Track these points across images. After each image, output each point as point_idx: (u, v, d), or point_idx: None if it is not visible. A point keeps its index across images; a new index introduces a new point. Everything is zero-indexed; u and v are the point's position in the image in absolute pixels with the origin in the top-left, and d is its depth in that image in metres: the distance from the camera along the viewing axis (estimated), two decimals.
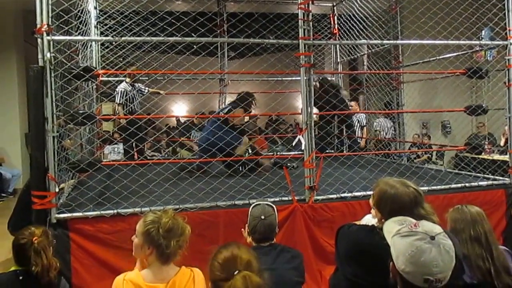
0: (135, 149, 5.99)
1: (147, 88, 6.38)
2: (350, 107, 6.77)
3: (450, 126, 9.10)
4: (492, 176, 4.33)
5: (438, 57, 5.20)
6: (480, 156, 5.68)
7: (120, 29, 5.61)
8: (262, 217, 2.31)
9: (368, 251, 1.80)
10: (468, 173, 4.59)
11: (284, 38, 5.71)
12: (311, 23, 3.64)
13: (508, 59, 4.14)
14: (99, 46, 5.67)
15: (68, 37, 3.46)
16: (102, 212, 3.13)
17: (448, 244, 1.32)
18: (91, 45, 5.25)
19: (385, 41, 5.53)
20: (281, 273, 2.12)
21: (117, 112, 6.07)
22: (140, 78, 6.15)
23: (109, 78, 6.26)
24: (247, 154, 5.03)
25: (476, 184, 4.03)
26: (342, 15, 6.71)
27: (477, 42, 4.73)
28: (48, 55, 3.08)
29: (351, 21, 6.34)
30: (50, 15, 3.13)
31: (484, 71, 4.43)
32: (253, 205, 2.45)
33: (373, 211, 2.04)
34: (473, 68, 4.43)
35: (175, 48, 5.00)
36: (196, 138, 7.09)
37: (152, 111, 5.42)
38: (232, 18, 6.00)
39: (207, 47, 5.10)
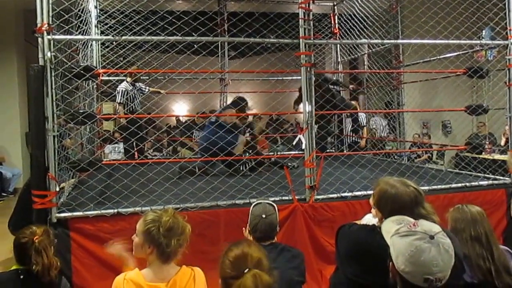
0: (135, 149, 5.99)
1: (147, 88, 6.38)
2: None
3: (450, 126, 9.09)
4: (492, 176, 4.33)
5: (438, 57, 5.20)
6: (481, 156, 5.68)
7: (121, 28, 5.62)
8: (263, 216, 2.31)
9: (368, 251, 1.80)
10: (469, 172, 4.59)
11: (284, 37, 5.71)
12: (311, 22, 3.64)
13: (509, 59, 4.14)
14: (100, 45, 5.68)
15: (68, 36, 3.46)
16: (103, 211, 3.14)
17: (447, 243, 1.32)
18: (91, 44, 5.26)
19: (385, 41, 5.52)
20: (281, 272, 2.12)
21: (118, 111, 6.07)
22: (141, 77, 6.15)
23: (110, 78, 6.27)
24: (247, 154, 5.03)
25: (476, 183, 4.04)
26: (343, 15, 6.70)
27: (478, 41, 4.73)
28: (49, 54, 3.08)
29: (351, 20, 6.34)
30: (50, 14, 3.13)
31: (485, 70, 4.43)
32: (254, 203, 2.45)
33: (373, 210, 2.04)
34: (473, 67, 4.42)
35: (176, 47, 5.04)
36: (197, 138, 7.10)
37: (153, 111, 5.42)
38: (233, 17, 6.00)
39: (208, 46, 5.11)
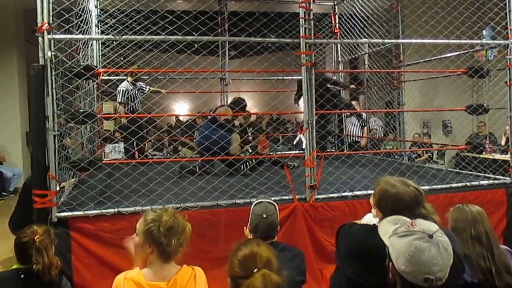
0: (136, 148, 5.99)
1: (148, 87, 6.38)
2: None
3: (451, 126, 9.08)
4: (493, 176, 4.34)
5: (439, 56, 5.19)
6: (481, 156, 5.67)
7: (121, 27, 5.62)
8: (264, 215, 2.31)
9: (369, 251, 1.80)
10: (469, 172, 4.59)
11: (285, 36, 5.71)
12: (312, 22, 3.64)
13: (509, 59, 4.13)
14: (100, 44, 5.68)
15: (69, 36, 3.46)
16: (103, 211, 3.14)
17: (446, 241, 1.32)
18: (92, 44, 5.25)
19: (386, 40, 5.51)
20: None
21: (118, 110, 6.07)
22: (141, 77, 6.15)
23: (110, 77, 6.27)
24: (247, 153, 5.03)
25: (477, 183, 4.04)
26: (343, 14, 6.70)
27: (478, 41, 4.73)
28: (49, 53, 3.08)
29: (352, 20, 6.33)
30: (51, 13, 3.13)
31: (485, 70, 4.42)
32: (255, 202, 2.45)
33: (373, 210, 2.04)
34: (474, 67, 4.42)
35: (176, 47, 5.03)
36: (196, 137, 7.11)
37: (153, 110, 5.42)
38: (233, 17, 6.00)
39: (208, 45, 5.10)
